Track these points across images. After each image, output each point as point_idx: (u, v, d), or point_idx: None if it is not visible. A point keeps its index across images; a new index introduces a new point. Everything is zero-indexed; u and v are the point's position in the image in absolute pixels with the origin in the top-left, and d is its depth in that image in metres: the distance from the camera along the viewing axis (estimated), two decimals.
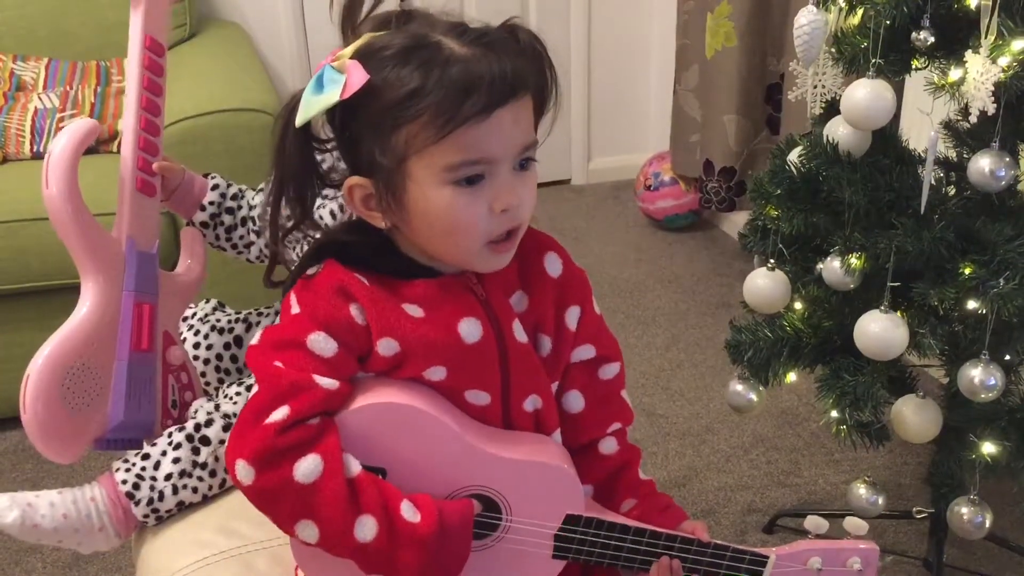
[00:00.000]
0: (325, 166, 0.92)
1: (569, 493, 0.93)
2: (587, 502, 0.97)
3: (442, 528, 0.86)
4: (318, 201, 1.15)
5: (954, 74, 1.28)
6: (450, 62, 0.80)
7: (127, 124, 1.17)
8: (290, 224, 0.91)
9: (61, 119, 2.28)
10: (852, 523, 0.98)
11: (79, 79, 2.41)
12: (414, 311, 0.88)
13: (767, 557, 0.95)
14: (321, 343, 0.86)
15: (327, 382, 0.85)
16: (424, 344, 0.88)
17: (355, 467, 0.86)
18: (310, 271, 0.90)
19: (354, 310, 0.87)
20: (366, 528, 0.84)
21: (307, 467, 0.83)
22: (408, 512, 0.86)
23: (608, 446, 1.03)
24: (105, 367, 1.12)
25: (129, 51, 1.18)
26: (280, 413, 0.83)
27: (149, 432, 1.18)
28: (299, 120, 0.84)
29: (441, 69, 0.80)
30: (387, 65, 0.82)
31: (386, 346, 0.87)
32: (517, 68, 0.82)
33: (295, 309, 0.88)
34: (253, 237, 1.30)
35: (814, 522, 0.98)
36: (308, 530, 0.85)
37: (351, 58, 0.83)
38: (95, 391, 1.11)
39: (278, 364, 0.85)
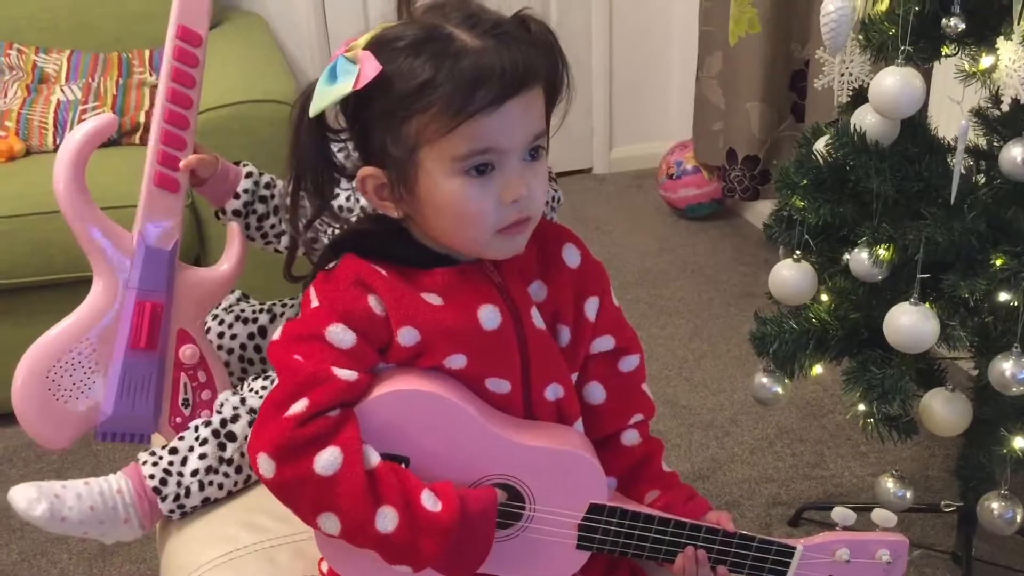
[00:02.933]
0: (341, 156, 0.92)
1: (593, 482, 0.93)
2: (611, 493, 0.96)
3: (464, 517, 0.86)
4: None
5: (985, 61, 1.26)
6: (461, 54, 0.81)
7: (154, 116, 1.17)
8: (310, 215, 0.91)
9: (83, 111, 2.29)
10: (880, 515, 0.97)
11: (101, 71, 2.41)
12: (433, 299, 0.88)
13: (794, 548, 0.94)
14: (340, 334, 0.86)
15: (346, 374, 0.85)
16: (444, 331, 0.88)
17: (374, 458, 0.86)
18: (329, 265, 0.91)
19: (372, 301, 0.87)
20: (387, 519, 0.84)
21: (327, 459, 0.83)
22: (429, 501, 0.86)
23: (630, 438, 1.03)
24: (102, 362, 1.16)
25: (166, 41, 1.18)
26: (299, 406, 0.84)
27: (151, 428, 1.20)
28: (313, 110, 0.85)
29: (452, 61, 0.81)
30: (399, 56, 0.82)
31: (407, 335, 0.87)
32: (528, 59, 0.83)
33: (314, 303, 0.89)
34: (286, 226, 1.28)
35: (841, 513, 0.97)
36: (330, 522, 0.85)
37: (364, 49, 0.84)
38: (88, 384, 1.16)
39: (297, 357, 0.86)
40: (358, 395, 0.87)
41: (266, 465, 0.84)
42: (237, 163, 1.28)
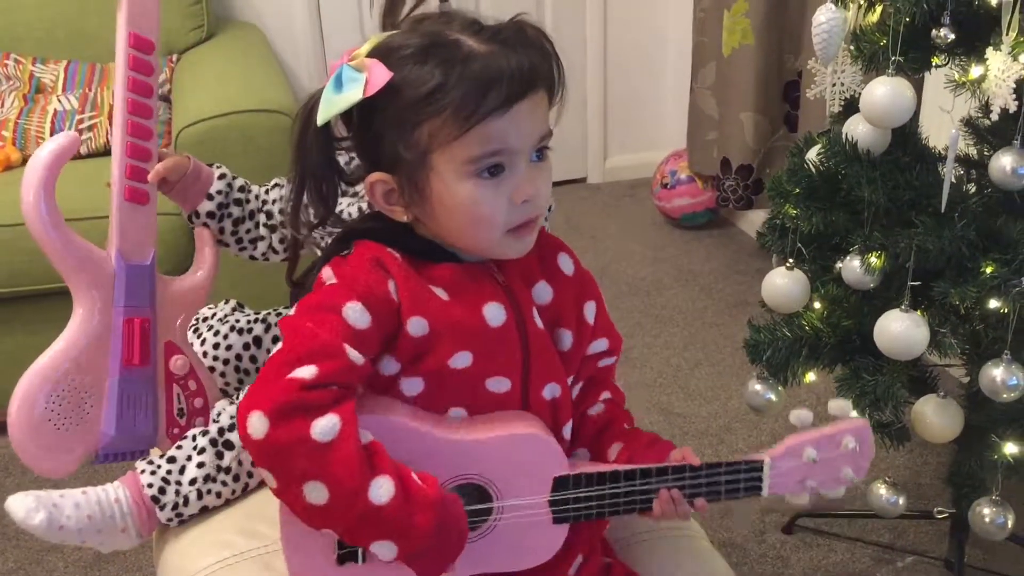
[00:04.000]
0: (344, 163, 0.94)
1: (550, 457, 0.93)
2: (573, 462, 0.97)
3: (443, 497, 0.86)
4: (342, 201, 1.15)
5: (975, 71, 1.27)
6: (469, 58, 0.83)
7: (114, 130, 1.12)
8: (314, 222, 0.92)
9: (80, 121, 2.30)
10: (836, 405, 0.98)
11: (98, 81, 2.42)
12: (440, 293, 0.90)
13: (761, 461, 0.95)
14: (357, 313, 0.85)
15: (355, 355, 0.84)
16: (452, 326, 0.89)
17: (368, 434, 0.86)
18: (343, 252, 0.91)
19: (391, 285, 0.88)
20: (382, 489, 0.83)
21: (325, 425, 0.81)
22: (416, 480, 0.86)
23: (596, 409, 1.04)
24: (96, 385, 1.12)
25: (116, 50, 1.12)
26: (307, 371, 0.82)
27: (151, 443, 1.18)
28: (321, 119, 0.86)
29: (461, 65, 0.82)
30: (407, 63, 0.84)
31: (416, 325, 0.88)
32: (532, 62, 0.85)
33: (331, 280, 0.88)
34: (263, 232, 1.26)
35: (798, 416, 0.98)
36: (316, 492, 0.82)
37: (368, 57, 0.85)
38: (85, 409, 1.12)
39: (309, 325, 0.85)
40: (357, 381, 0.86)
41: (258, 424, 0.81)
42: (210, 165, 1.23)
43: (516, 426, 0.93)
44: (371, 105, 0.84)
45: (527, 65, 0.84)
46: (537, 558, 0.96)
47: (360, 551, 0.92)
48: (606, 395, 1.05)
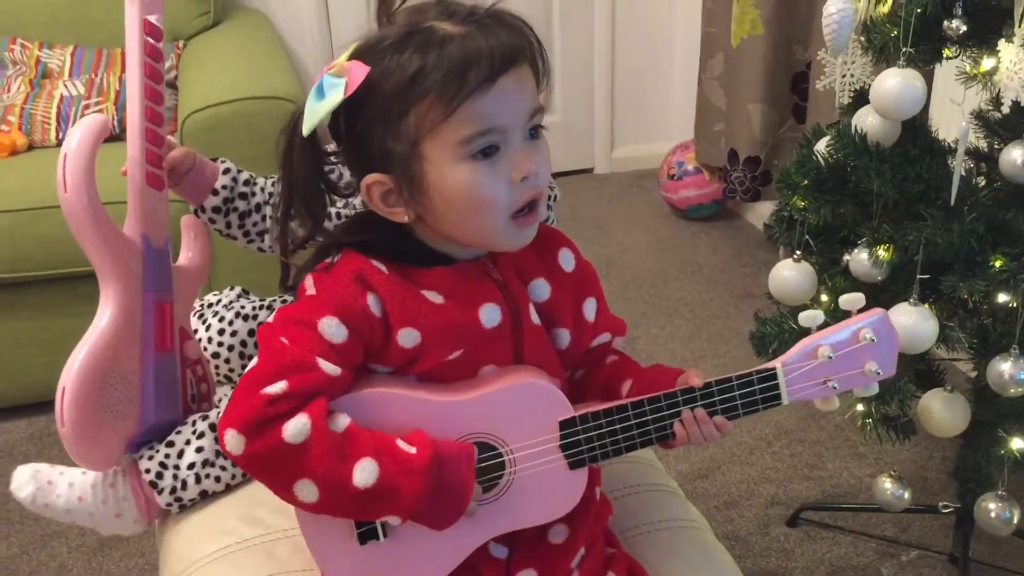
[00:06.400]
0: (333, 177, 0.93)
1: (552, 403, 0.92)
2: (581, 404, 0.95)
3: (438, 455, 0.86)
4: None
5: (986, 63, 1.26)
6: (446, 41, 0.82)
7: (132, 117, 1.11)
8: (303, 236, 0.91)
9: (86, 106, 2.30)
10: (848, 299, 0.93)
11: (104, 66, 2.42)
12: (434, 297, 0.89)
13: (774, 368, 0.91)
14: (333, 328, 0.85)
15: (330, 367, 0.85)
16: (445, 330, 0.88)
17: (345, 419, 0.86)
18: (328, 259, 0.90)
19: (371, 300, 0.87)
20: (365, 472, 0.84)
21: (295, 426, 0.82)
22: (404, 446, 0.86)
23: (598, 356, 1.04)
24: (132, 371, 1.11)
25: (127, 38, 1.13)
26: (277, 387, 0.83)
27: (172, 430, 1.18)
28: (306, 129, 0.85)
29: (439, 48, 0.82)
30: (385, 55, 0.83)
31: (407, 336, 0.88)
32: (511, 39, 0.84)
33: (311, 291, 0.88)
34: (270, 224, 1.26)
35: (808, 316, 0.93)
36: (307, 489, 0.84)
37: (347, 61, 0.85)
38: (127, 397, 1.11)
39: (283, 340, 0.85)
40: (338, 391, 0.87)
41: (235, 442, 0.83)
42: (214, 159, 1.23)
43: (513, 378, 0.92)
44: (356, 104, 0.83)
45: (506, 41, 0.83)
46: (563, 506, 0.95)
47: (379, 527, 0.92)
48: (612, 358, 1.04)
